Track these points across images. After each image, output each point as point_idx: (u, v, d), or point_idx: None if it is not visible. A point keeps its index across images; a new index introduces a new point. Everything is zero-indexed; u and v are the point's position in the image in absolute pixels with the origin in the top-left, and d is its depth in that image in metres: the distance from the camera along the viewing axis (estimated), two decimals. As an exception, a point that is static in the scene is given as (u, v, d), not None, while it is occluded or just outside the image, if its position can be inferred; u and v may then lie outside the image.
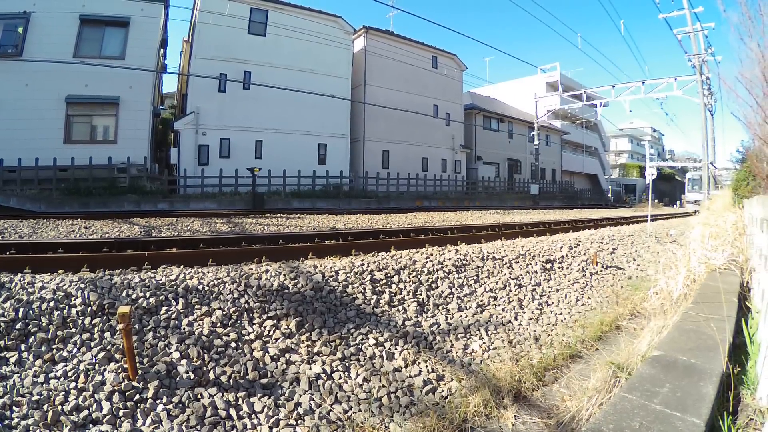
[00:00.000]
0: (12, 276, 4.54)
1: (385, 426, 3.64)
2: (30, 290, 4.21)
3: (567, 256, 8.93)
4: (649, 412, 2.35)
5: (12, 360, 3.62)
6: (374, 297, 5.45)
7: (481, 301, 6.23)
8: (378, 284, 5.75)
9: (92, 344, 3.84)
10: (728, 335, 3.63)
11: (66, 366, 3.61)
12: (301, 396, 3.82)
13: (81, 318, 4.04)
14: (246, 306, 4.63)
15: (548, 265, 8.18)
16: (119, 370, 3.60)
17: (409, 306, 5.55)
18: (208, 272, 5.07)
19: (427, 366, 4.54)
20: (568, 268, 8.42)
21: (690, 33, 29.35)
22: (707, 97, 30.36)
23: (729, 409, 2.81)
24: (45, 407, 3.24)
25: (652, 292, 6.16)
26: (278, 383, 3.91)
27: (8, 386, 3.37)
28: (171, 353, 3.88)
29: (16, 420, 3.07)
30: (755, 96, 8.50)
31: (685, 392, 2.59)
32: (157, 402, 3.45)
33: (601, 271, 8.78)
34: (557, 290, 7.36)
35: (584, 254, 9.32)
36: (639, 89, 32.20)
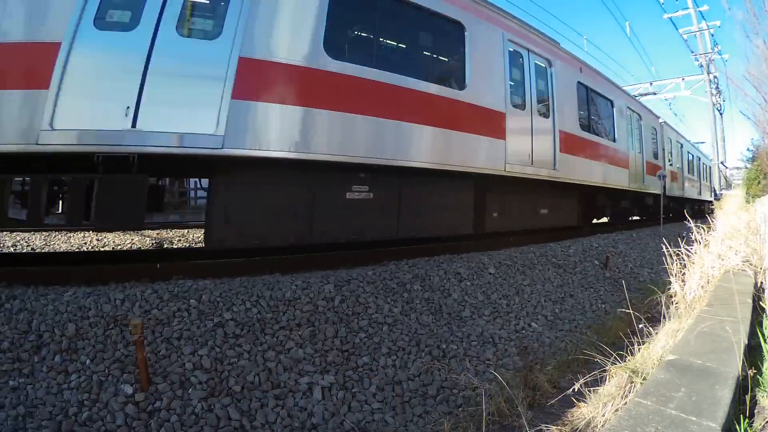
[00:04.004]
0: (25, 288, 4.58)
1: (399, 434, 3.64)
2: (43, 302, 4.24)
3: (579, 261, 8.88)
4: (664, 417, 2.33)
5: (25, 371, 3.65)
6: (386, 306, 5.44)
7: (495, 307, 6.20)
8: (390, 293, 5.74)
9: (105, 356, 3.86)
10: (743, 337, 3.60)
11: (79, 377, 3.63)
12: (314, 406, 3.82)
13: (94, 329, 4.06)
14: (258, 316, 4.64)
15: (560, 270, 8.14)
16: (132, 381, 3.61)
17: (421, 314, 5.54)
18: (221, 283, 5.08)
19: (440, 375, 4.52)
20: (581, 273, 8.38)
21: (696, 32, 29.27)
22: (715, 96, 30.22)
23: (745, 412, 2.78)
24: (58, 418, 3.26)
25: (666, 295, 6.11)
26: (291, 393, 3.92)
27: (22, 397, 3.40)
28: (184, 364, 3.89)
29: (30, 431, 3.09)
30: (763, 94, 8.45)
31: (701, 396, 2.56)
32: (171, 413, 3.46)
33: (613, 275, 8.73)
34: (570, 295, 7.32)
35: (596, 259, 9.27)
36: (647, 90, 32.03)
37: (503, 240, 9.52)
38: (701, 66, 30.16)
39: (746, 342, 3.60)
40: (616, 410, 3.30)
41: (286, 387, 3.96)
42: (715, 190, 30.05)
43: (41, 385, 3.53)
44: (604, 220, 15.16)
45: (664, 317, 5.26)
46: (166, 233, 13.59)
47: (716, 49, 29.78)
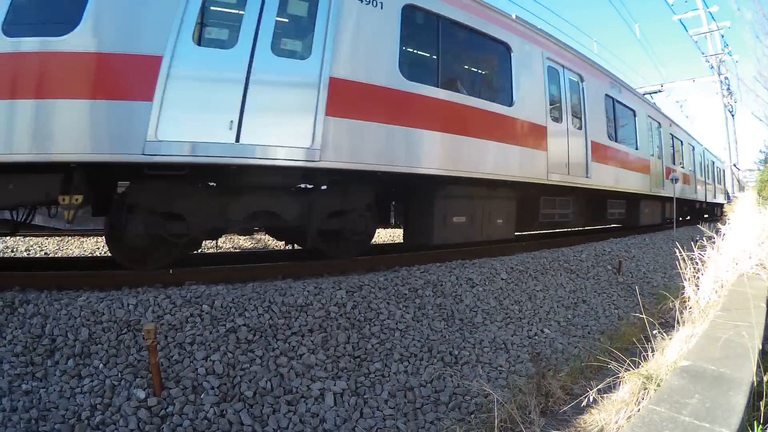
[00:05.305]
0: (39, 293, 4.63)
1: (411, 441, 3.63)
2: (57, 306, 4.28)
3: (592, 266, 8.82)
4: (678, 424, 2.31)
5: (38, 375, 3.69)
6: (398, 312, 5.43)
7: (507, 313, 6.17)
8: (402, 299, 5.73)
9: (118, 360, 3.89)
10: (757, 342, 3.55)
11: (92, 381, 3.66)
12: (326, 412, 3.82)
13: (107, 334, 4.09)
14: (270, 322, 4.65)
15: (573, 276, 8.09)
16: (145, 386, 3.63)
17: (433, 320, 5.52)
18: (233, 288, 5.11)
19: (452, 381, 4.51)
20: (594, 278, 8.32)
21: (706, 33, 29.11)
22: (727, 97, 30.00)
23: (759, 418, 2.75)
24: (71, 422, 3.29)
25: (680, 300, 6.06)
26: (303, 399, 3.92)
27: (35, 401, 3.43)
28: (196, 369, 3.91)
29: (44, 436, 3.12)
30: (774, 95, 8.37)
31: (715, 403, 2.54)
32: (183, 417, 3.48)
33: (627, 280, 8.67)
34: (583, 301, 7.28)
35: (609, 264, 9.21)
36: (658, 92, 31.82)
37: (515, 245, 9.53)
38: (712, 67, 30.01)
39: (761, 347, 3.56)
40: (629, 417, 3.28)
41: (298, 392, 3.97)
42: (728, 193, 29.75)
43: (54, 388, 3.56)
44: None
45: (678, 322, 5.22)
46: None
47: (726, 50, 29.60)
